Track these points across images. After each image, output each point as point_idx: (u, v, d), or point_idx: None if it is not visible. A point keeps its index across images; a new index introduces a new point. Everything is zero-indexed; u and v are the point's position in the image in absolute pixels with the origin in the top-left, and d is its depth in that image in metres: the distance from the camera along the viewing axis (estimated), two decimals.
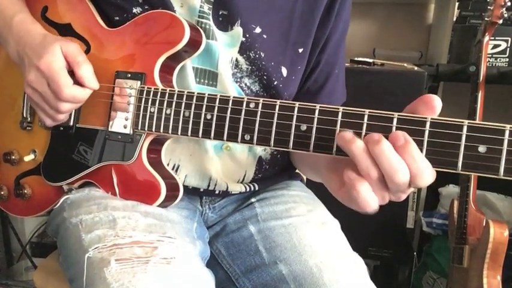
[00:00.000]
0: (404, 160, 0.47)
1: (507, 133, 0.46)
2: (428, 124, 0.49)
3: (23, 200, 0.81)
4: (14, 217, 1.78)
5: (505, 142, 0.46)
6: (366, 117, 0.52)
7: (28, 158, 0.79)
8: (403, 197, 0.51)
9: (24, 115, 0.80)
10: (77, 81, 0.68)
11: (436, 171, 0.49)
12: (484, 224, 1.28)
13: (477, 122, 0.48)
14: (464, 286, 1.31)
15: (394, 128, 0.50)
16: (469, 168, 0.48)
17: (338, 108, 0.54)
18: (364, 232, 1.47)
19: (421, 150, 0.49)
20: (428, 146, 0.49)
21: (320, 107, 0.55)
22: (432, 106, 0.49)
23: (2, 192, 0.83)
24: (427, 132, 0.49)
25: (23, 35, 0.70)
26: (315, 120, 0.55)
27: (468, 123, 0.47)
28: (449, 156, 0.48)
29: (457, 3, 1.67)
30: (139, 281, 0.54)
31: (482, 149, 0.47)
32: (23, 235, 1.85)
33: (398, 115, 0.51)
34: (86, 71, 0.68)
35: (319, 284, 0.65)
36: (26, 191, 0.80)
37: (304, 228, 0.74)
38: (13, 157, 0.81)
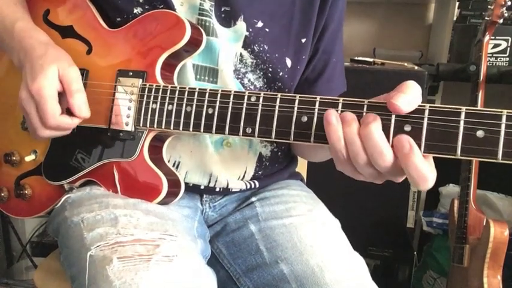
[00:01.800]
0: (407, 169, 0.49)
1: (504, 118, 0.47)
2: (427, 112, 0.50)
3: (23, 201, 0.81)
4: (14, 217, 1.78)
5: (503, 126, 0.47)
6: (365, 107, 0.54)
7: (29, 158, 0.79)
8: (400, 179, 0.53)
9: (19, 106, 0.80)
10: (68, 108, 0.67)
11: (436, 163, 0.50)
12: (484, 224, 1.28)
13: (474, 107, 0.49)
14: (464, 286, 1.31)
15: (393, 118, 0.52)
16: (468, 153, 0.49)
17: (338, 99, 0.55)
18: (364, 232, 1.48)
19: (421, 138, 0.50)
20: (428, 133, 0.50)
21: (320, 98, 0.56)
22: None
23: (2, 194, 0.83)
24: (425, 120, 0.50)
25: (24, 42, 0.70)
26: (316, 111, 0.56)
27: (466, 109, 0.49)
28: (448, 142, 0.49)
29: (457, 3, 1.68)
30: (142, 278, 0.54)
31: (480, 133, 0.48)
32: (23, 234, 1.85)
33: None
34: (79, 100, 0.67)
35: (320, 283, 0.65)
36: (26, 192, 0.80)
37: (305, 228, 0.74)
38: (14, 158, 0.81)
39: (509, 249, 1.22)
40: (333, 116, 0.52)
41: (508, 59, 1.59)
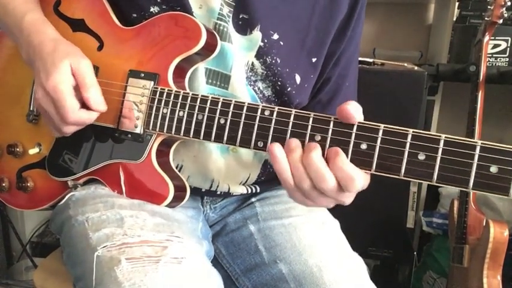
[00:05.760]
0: (332, 170, 0.53)
1: None
2: (442, 142, 0.50)
3: (24, 193, 0.80)
4: (14, 216, 1.78)
5: None
6: (380, 132, 0.53)
7: (33, 151, 0.78)
8: (348, 200, 0.56)
9: (31, 108, 0.80)
10: (84, 103, 0.67)
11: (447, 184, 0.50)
12: (484, 224, 1.28)
13: (490, 142, 0.48)
14: (464, 286, 1.31)
15: (407, 145, 0.52)
16: (480, 187, 0.49)
17: None
18: (364, 232, 1.48)
19: (434, 167, 0.50)
20: (441, 163, 0.50)
21: (335, 118, 0.55)
22: (350, 118, 0.53)
23: (3, 184, 0.83)
24: (440, 150, 0.50)
25: (33, 37, 0.69)
26: (330, 131, 0.56)
27: (481, 143, 0.48)
28: (461, 174, 0.49)
29: (457, 3, 1.67)
30: (151, 280, 0.54)
31: (493, 169, 0.48)
32: (23, 234, 1.85)
33: (413, 131, 0.52)
34: (94, 94, 0.67)
35: (319, 283, 0.65)
36: (28, 184, 0.80)
37: (304, 228, 0.74)
38: (17, 149, 0.81)
39: (509, 250, 1.22)
40: (276, 148, 0.55)
41: (507, 59, 1.59)
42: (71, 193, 0.73)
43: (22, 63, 0.73)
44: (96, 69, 0.73)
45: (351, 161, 0.54)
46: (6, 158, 0.83)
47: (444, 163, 0.50)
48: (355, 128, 0.54)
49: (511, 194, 0.47)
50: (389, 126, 0.53)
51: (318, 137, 0.56)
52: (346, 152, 0.54)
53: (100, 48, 0.74)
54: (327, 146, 0.55)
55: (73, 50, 0.69)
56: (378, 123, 0.54)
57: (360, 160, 0.54)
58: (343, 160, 0.53)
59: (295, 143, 0.56)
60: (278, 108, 0.59)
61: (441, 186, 1.77)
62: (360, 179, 0.53)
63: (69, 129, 0.68)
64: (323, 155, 0.55)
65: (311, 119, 0.57)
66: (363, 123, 0.54)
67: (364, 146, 0.54)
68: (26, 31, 0.70)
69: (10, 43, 0.84)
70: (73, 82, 0.66)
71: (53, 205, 0.78)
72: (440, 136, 0.50)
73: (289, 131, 0.58)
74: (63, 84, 0.65)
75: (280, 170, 0.55)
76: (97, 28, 0.75)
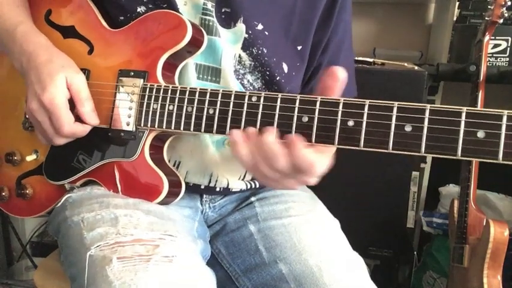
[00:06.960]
0: (293, 160, 0.55)
1: (505, 118, 0.47)
2: (427, 112, 0.50)
3: (24, 200, 0.81)
4: (14, 216, 1.78)
5: (503, 127, 0.47)
6: (366, 107, 0.53)
7: (30, 158, 0.79)
8: (312, 181, 0.58)
9: (27, 116, 0.80)
10: (77, 115, 0.69)
11: (436, 163, 0.50)
12: (484, 224, 1.27)
13: (475, 108, 0.48)
14: (464, 286, 1.31)
15: (394, 117, 0.52)
16: (469, 153, 0.49)
17: (339, 99, 0.55)
18: (364, 232, 1.48)
19: (421, 138, 0.50)
20: (428, 133, 0.50)
21: (321, 98, 0.56)
22: (336, 77, 0.55)
23: (3, 193, 0.83)
24: (426, 120, 0.50)
25: (26, 46, 0.71)
26: (317, 111, 0.56)
27: (466, 109, 0.49)
28: (448, 142, 0.49)
29: (457, 3, 1.67)
30: (141, 279, 0.54)
31: (481, 134, 0.48)
32: (23, 234, 1.85)
33: (398, 104, 0.52)
34: (88, 108, 0.69)
35: (319, 283, 0.65)
36: (27, 191, 0.80)
37: (304, 228, 0.74)
38: (15, 157, 0.81)
39: (509, 249, 1.22)
40: (234, 134, 0.58)
41: (508, 59, 1.59)
42: (68, 195, 0.73)
43: (17, 74, 0.75)
44: (88, 72, 0.74)
45: (339, 139, 0.54)
46: (4, 167, 0.84)
47: (431, 132, 0.50)
48: (341, 105, 0.55)
49: (500, 158, 0.47)
50: (374, 101, 0.53)
51: (306, 118, 0.57)
52: (333, 130, 0.55)
53: (90, 52, 0.75)
54: (315, 126, 0.56)
55: (68, 63, 0.71)
56: (363, 99, 0.54)
57: (348, 137, 0.54)
58: (299, 147, 0.54)
59: (251, 130, 0.58)
60: (265, 94, 0.60)
61: (441, 186, 1.78)
62: (319, 164, 0.55)
63: (61, 141, 0.70)
64: (309, 140, 0.56)
65: (297, 101, 0.57)
66: (348, 100, 0.55)
67: (351, 123, 0.54)
68: (19, 41, 0.72)
69: (3, 56, 0.85)
70: (68, 95, 0.68)
71: (51, 211, 0.79)
72: (425, 106, 0.50)
73: (276, 115, 0.59)
74: (59, 98, 0.67)
75: (236, 154, 0.58)
76: (87, 33, 0.76)
